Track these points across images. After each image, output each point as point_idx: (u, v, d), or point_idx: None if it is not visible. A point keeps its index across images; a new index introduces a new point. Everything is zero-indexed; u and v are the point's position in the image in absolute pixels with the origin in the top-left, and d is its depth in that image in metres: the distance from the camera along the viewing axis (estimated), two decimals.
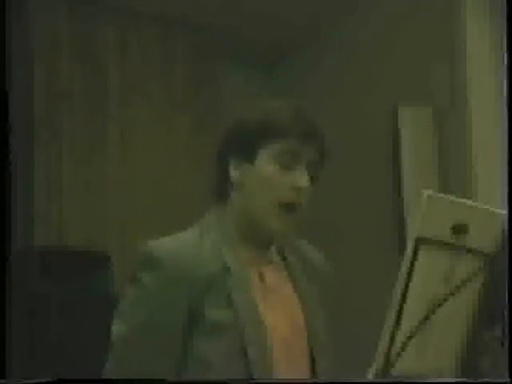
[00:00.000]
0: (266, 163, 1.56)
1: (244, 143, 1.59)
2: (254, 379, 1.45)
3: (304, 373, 1.57)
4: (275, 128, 1.56)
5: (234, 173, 1.60)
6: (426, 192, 1.20)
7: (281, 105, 1.62)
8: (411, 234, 1.21)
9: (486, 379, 1.24)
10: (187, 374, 1.49)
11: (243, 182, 1.58)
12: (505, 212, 1.22)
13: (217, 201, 1.64)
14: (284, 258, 1.66)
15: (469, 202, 1.23)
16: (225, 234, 1.58)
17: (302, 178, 1.55)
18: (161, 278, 1.49)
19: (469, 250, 1.21)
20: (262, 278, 1.59)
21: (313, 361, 1.58)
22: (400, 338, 1.20)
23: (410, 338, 1.20)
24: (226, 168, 1.61)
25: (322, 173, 1.62)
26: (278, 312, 1.57)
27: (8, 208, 1.82)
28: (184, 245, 1.54)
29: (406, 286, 1.19)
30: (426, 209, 1.19)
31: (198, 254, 1.52)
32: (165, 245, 1.54)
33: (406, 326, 1.20)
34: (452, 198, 1.22)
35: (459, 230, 1.19)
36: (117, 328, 1.51)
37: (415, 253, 1.19)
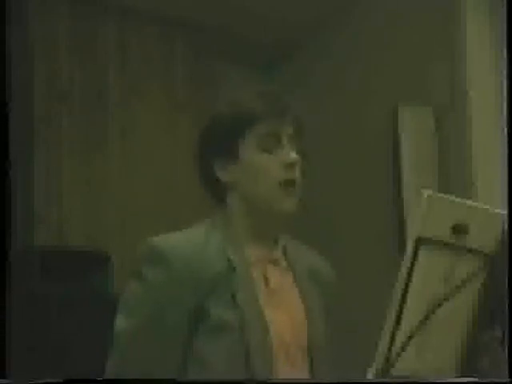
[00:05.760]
0: (250, 153, 1.57)
1: (222, 141, 1.59)
2: (256, 379, 1.45)
3: (304, 373, 1.57)
4: (248, 116, 1.57)
5: (221, 174, 1.60)
6: (426, 192, 1.20)
7: (243, 93, 1.63)
8: (411, 234, 1.21)
9: (486, 379, 1.24)
10: (189, 373, 1.49)
11: (234, 179, 1.59)
12: (505, 212, 1.22)
13: (216, 202, 1.64)
14: (288, 260, 1.66)
15: (469, 202, 1.23)
16: (230, 233, 1.58)
17: (289, 154, 1.56)
18: (166, 275, 1.49)
19: (469, 250, 1.21)
20: (266, 278, 1.59)
21: (313, 361, 1.58)
22: (400, 338, 1.20)
23: (410, 337, 1.20)
24: (212, 171, 1.61)
25: (303, 145, 1.62)
26: (281, 313, 1.56)
27: (8, 208, 1.82)
28: (190, 242, 1.53)
29: (406, 285, 1.19)
30: (426, 209, 1.19)
31: (204, 253, 1.51)
32: (171, 241, 1.53)
33: (406, 326, 1.20)
34: (452, 198, 1.22)
35: (459, 229, 1.19)
36: (119, 323, 1.50)
37: (415, 253, 1.19)
